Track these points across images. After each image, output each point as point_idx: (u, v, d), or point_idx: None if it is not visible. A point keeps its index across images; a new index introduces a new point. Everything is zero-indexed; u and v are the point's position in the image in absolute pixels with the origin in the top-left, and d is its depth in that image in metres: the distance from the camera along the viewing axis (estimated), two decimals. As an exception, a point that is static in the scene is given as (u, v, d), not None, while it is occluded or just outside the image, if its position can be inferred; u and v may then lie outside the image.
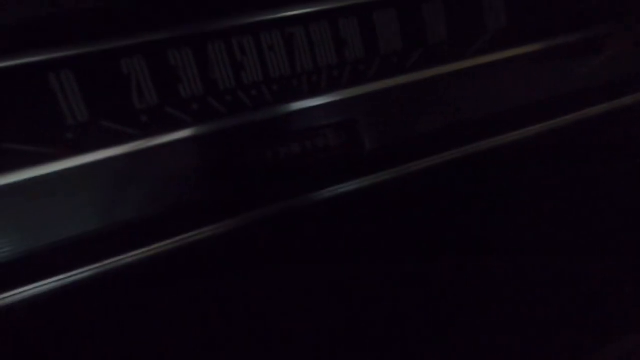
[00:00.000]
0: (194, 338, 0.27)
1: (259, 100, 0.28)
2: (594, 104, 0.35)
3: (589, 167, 0.35)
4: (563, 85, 0.35)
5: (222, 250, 0.27)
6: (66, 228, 0.25)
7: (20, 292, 0.24)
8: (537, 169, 0.34)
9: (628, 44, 0.36)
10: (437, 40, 0.31)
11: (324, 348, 0.29)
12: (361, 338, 0.30)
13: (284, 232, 0.29)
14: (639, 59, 0.36)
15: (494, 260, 0.32)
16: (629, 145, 0.38)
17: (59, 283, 0.25)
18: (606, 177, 0.36)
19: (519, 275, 0.33)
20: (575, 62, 0.35)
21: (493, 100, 0.33)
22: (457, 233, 0.32)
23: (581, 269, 0.34)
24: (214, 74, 0.27)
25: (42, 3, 0.23)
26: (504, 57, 0.33)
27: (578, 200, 0.35)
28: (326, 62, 0.29)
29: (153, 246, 0.26)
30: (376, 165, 0.29)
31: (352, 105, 0.30)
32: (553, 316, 0.32)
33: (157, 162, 0.26)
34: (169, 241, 0.26)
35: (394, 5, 0.30)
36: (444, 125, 0.31)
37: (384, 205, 0.30)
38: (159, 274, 0.26)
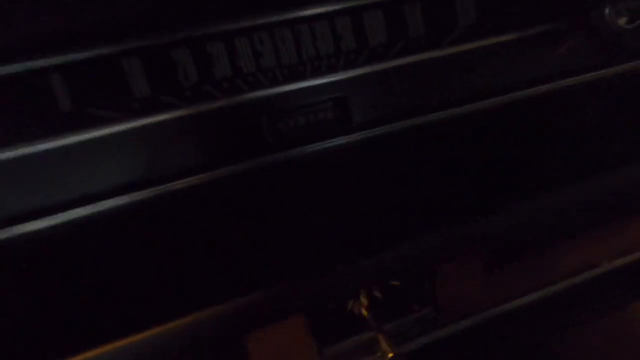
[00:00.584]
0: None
1: (275, 80, 0.37)
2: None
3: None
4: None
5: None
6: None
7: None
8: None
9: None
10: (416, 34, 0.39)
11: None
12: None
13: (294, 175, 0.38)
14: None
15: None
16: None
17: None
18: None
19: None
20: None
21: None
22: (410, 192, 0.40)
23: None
24: (239, 61, 0.36)
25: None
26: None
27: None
28: (325, 52, 0.37)
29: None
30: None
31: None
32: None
33: (198, 125, 0.36)
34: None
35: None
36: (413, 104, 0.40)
37: (364, 160, 0.39)
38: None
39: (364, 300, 0.46)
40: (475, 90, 0.42)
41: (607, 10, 0.40)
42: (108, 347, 0.32)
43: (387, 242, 0.36)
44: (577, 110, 0.44)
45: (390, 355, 0.42)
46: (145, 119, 0.35)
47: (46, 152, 0.33)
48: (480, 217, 0.39)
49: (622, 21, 0.41)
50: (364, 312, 0.46)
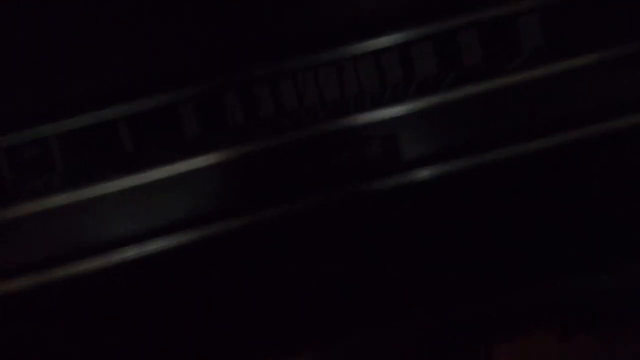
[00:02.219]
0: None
1: (316, 118, 0.37)
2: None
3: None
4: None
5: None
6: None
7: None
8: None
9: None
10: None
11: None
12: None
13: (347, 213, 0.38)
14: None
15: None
16: None
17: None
18: None
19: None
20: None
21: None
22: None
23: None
24: (283, 100, 0.37)
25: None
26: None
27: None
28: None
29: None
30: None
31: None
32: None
33: (249, 160, 0.37)
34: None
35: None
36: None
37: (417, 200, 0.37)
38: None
39: None
40: (547, 122, 0.38)
41: None
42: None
43: (426, 307, 0.33)
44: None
45: None
46: (195, 159, 0.37)
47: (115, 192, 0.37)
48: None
49: None
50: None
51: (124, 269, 0.36)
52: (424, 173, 0.37)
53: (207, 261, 0.38)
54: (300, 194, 0.37)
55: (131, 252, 0.36)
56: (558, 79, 0.37)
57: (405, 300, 0.34)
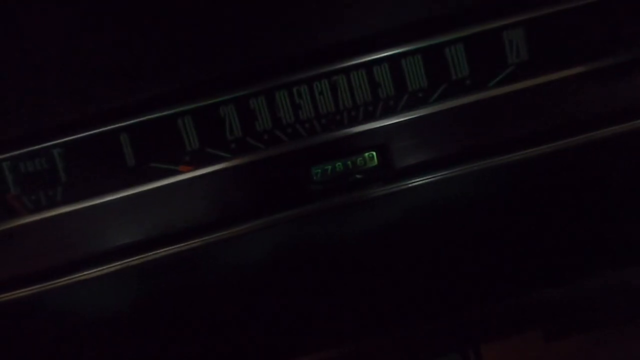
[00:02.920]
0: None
1: (312, 130, 0.38)
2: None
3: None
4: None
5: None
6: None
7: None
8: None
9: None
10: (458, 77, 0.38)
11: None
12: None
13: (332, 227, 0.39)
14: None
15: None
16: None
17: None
18: None
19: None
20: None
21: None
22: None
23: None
24: (279, 113, 0.38)
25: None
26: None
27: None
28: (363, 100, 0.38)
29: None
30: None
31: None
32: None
33: (243, 174, 0.39)
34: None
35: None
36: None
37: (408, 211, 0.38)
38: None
39: None
40: (534, 133, 0.39)
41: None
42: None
43: (424, 311, 0.35)
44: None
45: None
46: (195, 171, 0.38)
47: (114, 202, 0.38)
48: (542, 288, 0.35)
49: None
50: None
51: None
52: (412, 183, 0.38)
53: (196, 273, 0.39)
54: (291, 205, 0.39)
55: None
56: (543, 91, 0.39)
57: (393, 309, 0.35)
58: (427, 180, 0.38)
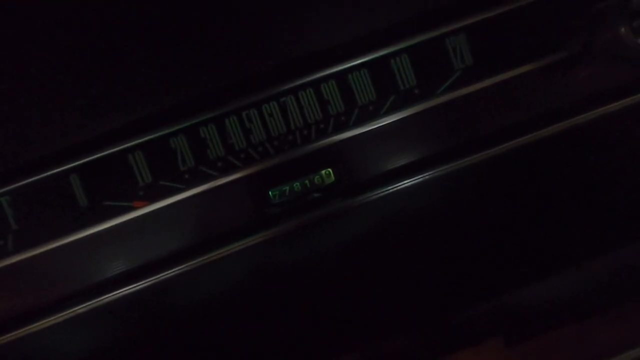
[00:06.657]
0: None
1: (264, 153, 0.38)
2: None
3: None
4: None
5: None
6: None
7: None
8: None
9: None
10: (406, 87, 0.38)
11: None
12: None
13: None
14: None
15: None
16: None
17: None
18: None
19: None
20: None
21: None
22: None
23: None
24: (230, 140, 0.38)
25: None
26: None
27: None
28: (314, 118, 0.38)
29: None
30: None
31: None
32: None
33: (200, 203, 0.38)
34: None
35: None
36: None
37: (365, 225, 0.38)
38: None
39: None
40: (487, 135, 0.39)
41: (622, 30, 0.36)
42: None
43: (384, 324, 0.34)
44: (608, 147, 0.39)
45: None
46: (150, 205, 0.38)
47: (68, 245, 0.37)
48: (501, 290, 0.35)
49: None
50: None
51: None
52: (371, 196, 0.38)
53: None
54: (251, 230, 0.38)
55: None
56: (490, 93, 0.39)
57: (359, 328, 0.35)
58: (385, 192, 0.38)
